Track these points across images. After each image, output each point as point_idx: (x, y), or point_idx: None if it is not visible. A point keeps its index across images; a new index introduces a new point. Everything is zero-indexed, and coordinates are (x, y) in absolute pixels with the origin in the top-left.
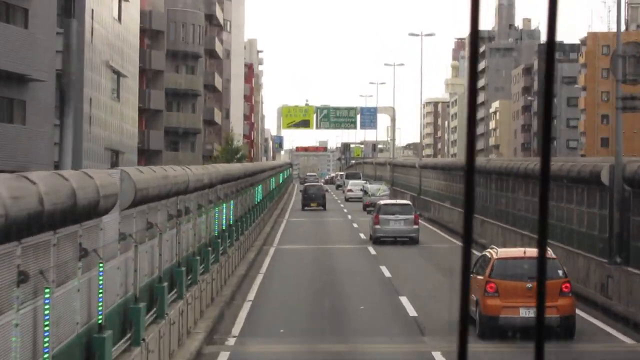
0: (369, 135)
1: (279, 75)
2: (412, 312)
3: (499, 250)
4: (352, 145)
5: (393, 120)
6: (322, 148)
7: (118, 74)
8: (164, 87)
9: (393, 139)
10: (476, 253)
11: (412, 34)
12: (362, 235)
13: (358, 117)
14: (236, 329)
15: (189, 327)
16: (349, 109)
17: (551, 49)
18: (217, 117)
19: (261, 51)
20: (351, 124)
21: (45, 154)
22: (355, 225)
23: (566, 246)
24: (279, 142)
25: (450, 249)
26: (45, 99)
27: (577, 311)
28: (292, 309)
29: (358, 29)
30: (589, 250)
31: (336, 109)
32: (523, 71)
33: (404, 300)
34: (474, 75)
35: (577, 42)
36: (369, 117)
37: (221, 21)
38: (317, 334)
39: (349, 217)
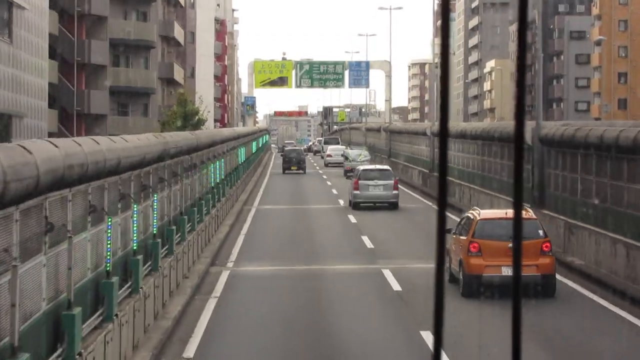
0: (356, 96)
1: (254, 31)
2: None
3: (481, 211)
4: (335, 109)
5: (389, 76)
6: (302, 113)
7: (9, 4)
8: (109, 37)
9: (389, 100)
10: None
11: None
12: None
13: (346, 73)
14: None
15: None
16: (335, 64)
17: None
18: (179, 75)
19: (236, 10)
20: (338, 82)
21: None
22: (352, 220)
23: None
24: (250, 103)
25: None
26: None
27: None
28: None
29: None
30: None
31: (320, 63)
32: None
33: None
34: (446, 37)
35: None
36: (359, 73)
37: None
38: None
39: (340, 202)
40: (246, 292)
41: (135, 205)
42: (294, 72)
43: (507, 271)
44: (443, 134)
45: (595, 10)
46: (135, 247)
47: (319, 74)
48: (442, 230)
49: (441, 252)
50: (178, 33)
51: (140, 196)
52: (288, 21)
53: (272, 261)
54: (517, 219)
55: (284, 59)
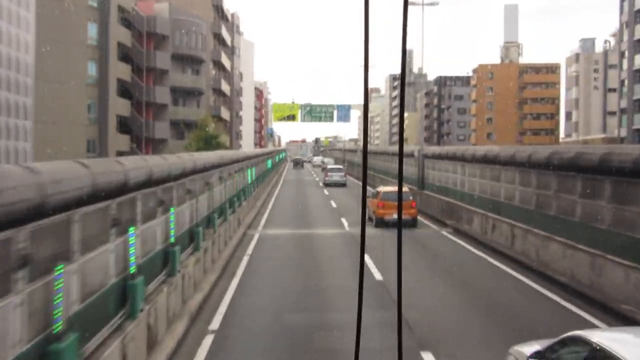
0: (340, 127)
1: (273, 79)
2: None
3: (383, 188)
4: (321, 139)
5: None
6: (304, 140)
7: None
8: (170, 85)
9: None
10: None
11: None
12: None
13: (335, 112)
14: None
15: None
16: (327, 106)
17: (403, 73)
18: (225, 115)
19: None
20: (329, 118)
21: None
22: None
23: None
24: (270, 132)
25: None
26: None
27: None
28: None
29: (337, 38)
30: None
31: (317, 106)
32: (425, 94)
33: None
34: (366, 101)
35: (465, 72)
36: (344, 112)
37: (228, 42)
38: None
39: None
40: None
41: None
42: (299, 111)
43: (395, 216)
44: (365, 150)
45: (473, 82)
46: None
47: (316, 112)
48: (364, 199)
49: (364, 208)
50: (225, 87)
51: None
52: (297, 71)
53: None
54: (400, 190)
55: (293, 102)
